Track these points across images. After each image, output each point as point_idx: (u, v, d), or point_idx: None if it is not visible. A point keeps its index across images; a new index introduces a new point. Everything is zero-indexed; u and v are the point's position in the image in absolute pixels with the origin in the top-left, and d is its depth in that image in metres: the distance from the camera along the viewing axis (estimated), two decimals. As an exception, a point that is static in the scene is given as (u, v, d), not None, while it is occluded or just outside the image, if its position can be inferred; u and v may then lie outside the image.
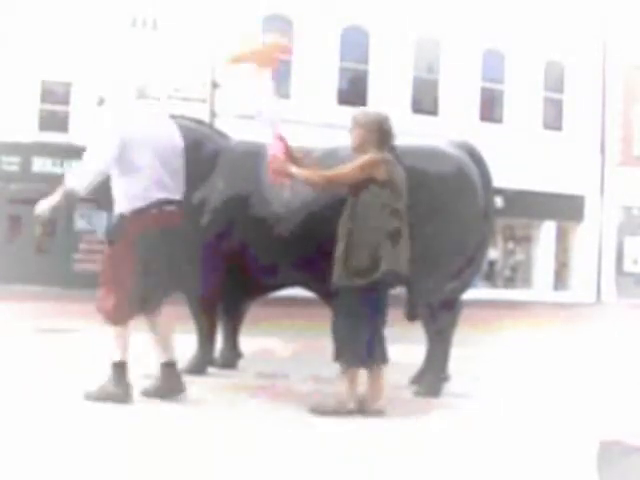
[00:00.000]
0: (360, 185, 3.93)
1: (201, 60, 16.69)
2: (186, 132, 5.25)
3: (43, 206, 4.15)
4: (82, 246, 16.60)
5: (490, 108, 19.12)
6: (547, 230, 19.73)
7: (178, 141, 4.32)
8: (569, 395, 4.74)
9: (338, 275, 3.96)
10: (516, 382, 5.22)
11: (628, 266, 20.77)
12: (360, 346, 3.92)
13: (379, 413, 3.96)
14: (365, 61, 18.07)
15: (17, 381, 4.51)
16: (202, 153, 5.10)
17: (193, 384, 4.65)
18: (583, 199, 19.81)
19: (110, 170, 4.05)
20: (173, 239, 4.17)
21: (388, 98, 17.07)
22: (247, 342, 5.45)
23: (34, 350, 5.98)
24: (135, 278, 4.03)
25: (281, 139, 4.28)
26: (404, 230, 3.96)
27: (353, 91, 17.96)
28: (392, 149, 4.13)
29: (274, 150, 4.26)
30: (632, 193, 20.10)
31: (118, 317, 4.10)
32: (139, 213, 4.02)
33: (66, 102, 16.79)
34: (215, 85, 16.93)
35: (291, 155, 4.23)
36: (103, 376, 4.06)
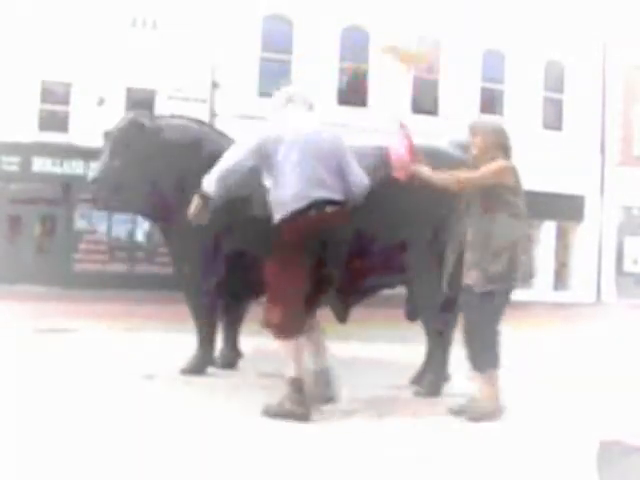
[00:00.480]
0: (489, 192, 3.94)
1: (201, 60, 16.70)
2: (186, 132, 5.28)
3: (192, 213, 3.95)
4: (82, 246, 16.60)
5: (490, 108, 19.12)
6: (547, 230, 19.73)
7: (332, 138, 4.08)
8: (569, 395, 4.73)
9: (480, 280, 3.92)
10: (516, 382, 5.22)
11: (628, 266, 20.77)
12: (495, 349, 4.06)
13: (496, 415, 3.94)
14: (365, 61, 18.07)
15: (17, 381, 4.51)
16: (202, 153, 5.10)
17: (193, 384, 4.66)
18: (583, 199, 19.82)
19: (246, 166, 3.84)
20: (335, 239, 3.88)
21: (388, 98, 17.10)
22: (247, 342, 5.45)
23: (34, 350, 5.98)
24: (302, 285, 3.76)
25: (407, 137, 4.17)
26: (531, 236, 4.10)
27: (353, 91, 17.96)
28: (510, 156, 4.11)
29: (399, 147, 4.14)
30: (632, 193, 20.11)
31: (288, 331, 3.80)
32: (297, 215, 3.72)
33: (66, 102, 16.80)
34: (215, 85, 16.93)
35: (415, 155, 4.14)
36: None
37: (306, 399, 3.80)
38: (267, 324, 3.80)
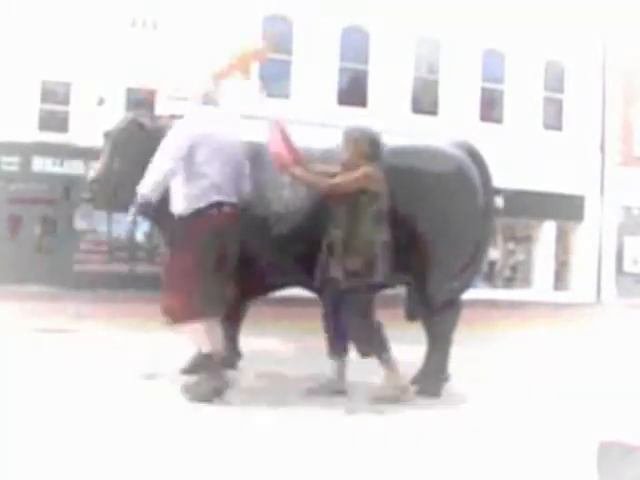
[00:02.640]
0: (352, 195, 4.24)
1: (201, 60, 16.69)
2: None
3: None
4: (82, 246, 16.59)
5: (490, 108, 19.11)
6: (547, 230, 19.72)
7: (240, 144, 4.44)
8: (569, 395, 4.74)
9: (340, 276, 4.24)
10: (516, 382, 5.22)
11: (628, 266, 20.76)
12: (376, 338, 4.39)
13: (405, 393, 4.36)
14: (365, 61, 18.06)
15: (17, 381, 4.51)
16: (202, 153, 5.10)
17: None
18: (583, 199, 19.80)
19: (177, 170, 4.14)
20: (230, 239, 4.26)
21: (388, 98, 17.10)
22: (247, 342, 5.45)
23: (34, 350, 5.98)
24: (198, 279, 4.09)
25: (284, 137, 4.35)
26: (388, 237, 4.31)
27: (353, 91, 17.95)
28: (377, 161, 4.38)
29: (277, 148, 4.31)
30: (632, 193, 20.09)
31: (183, 316, 4.15)
32: (198, 214, 4.11)
33: (66, 102, 16.78)
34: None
35: (294, 152, 4.35)
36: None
37: (223, 373, 4.19)
38: (162, 311, 4.22)
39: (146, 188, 4.14)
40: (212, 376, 4.12)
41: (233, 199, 4.31)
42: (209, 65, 4.89)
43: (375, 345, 4.34)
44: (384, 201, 4.32)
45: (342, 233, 4.25)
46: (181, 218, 4.24)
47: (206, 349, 4.16)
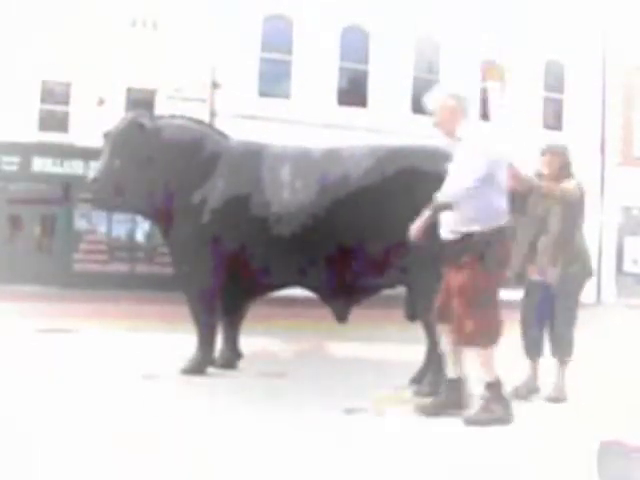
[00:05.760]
0: (570, 204, 4.86)
1: (201, 60, 16.69)
2: (186, 132, 5.28)
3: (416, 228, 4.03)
4: (82, 246, 16.59)
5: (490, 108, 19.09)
6: (547, 230, 19.71)
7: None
8: (569, 395, 4.73)
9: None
10: (516, 382, 5.21)
11: (628, 266, 20.75)
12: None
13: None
14: (365, 61, 18.06)
15: (17, 381, 4.51)
16: (202, 153, 5.10)
17: (193, 384, 4.66)
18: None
19: (477, 187, 3.97)
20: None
21: (388, 98, 17.10)
22: (247, 342, 5.45)
23: (34, 350, 5.98)
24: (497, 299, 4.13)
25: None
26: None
27: (353, 91, 17.95)
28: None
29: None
30: (632, 193, 20.09)
31: (490, 339, 4.08)
32: (500, 232, 4.01)
33: (66, 102, 16.79)
34: (215, 85, 16.93)
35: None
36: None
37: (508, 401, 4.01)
38: (467, 338, 3.98)
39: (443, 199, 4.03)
40: (497, 404, 3.94)
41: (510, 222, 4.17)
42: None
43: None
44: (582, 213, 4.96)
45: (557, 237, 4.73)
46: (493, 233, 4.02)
47: (490, 377, 4.01)
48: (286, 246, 4.74)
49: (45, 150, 16.33)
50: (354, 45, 17.92)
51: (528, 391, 4.76)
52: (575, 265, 4.79)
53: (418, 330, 4.86)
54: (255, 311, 5.54)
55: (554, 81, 19.77)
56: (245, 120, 14.77)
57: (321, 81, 17.20)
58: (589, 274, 4.96)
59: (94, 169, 5.39)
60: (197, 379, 4.81)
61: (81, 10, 16.11)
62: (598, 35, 19.88)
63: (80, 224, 16.71)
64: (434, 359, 4.75)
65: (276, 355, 6.25)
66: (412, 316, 4.90)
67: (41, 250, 16.75)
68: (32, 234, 16.71)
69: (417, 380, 4.85)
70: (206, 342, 5.08)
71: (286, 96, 16.95)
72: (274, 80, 17.14)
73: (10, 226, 16.48)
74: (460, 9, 17.78)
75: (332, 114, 16.43)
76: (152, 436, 3.37)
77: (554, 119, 19.75)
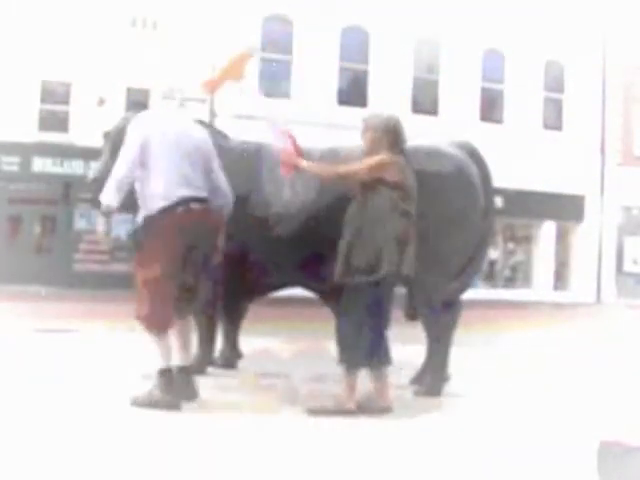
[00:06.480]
0: (369, 185, 3.95)
1: (201, 60, 16.68)
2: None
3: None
4: (82, 246, 16.58)
5: (490, 108, 19.11)
6: (547, 230, 19.72)
7: (201, 138, 4.20)
8: (569, 395, 4.74)
9: (340, 272, 3.97)
10: (516, 382, 5.22)
11: (628, 266, 20.77)
12: (363, 347, 3.93)
13: (386, 411, 3.98)
14: (365, 61, 18.06)
15: (17, 381, 4.51)
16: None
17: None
18: (583, 199, 19.81)
19: (135, 173, 3.93)
20: (202, 237, 4.02)
21: (388, 98, 17.09)
22: (247, 342, 5.45)
23: (34, 350, 5.98)
24: (169, 281, 3.95)
25: (290, 136, 4.31)
26: (412, 232, 3.97)
27: (353, 91, 17.96)
28: (402, 151, 4.13)
29: (281, 143, 4.30)
30: (632, 193, 20.10)
31: (158, 324, 4.01)
32: (164, 213, 3.88)
33: (66, 102, 16.79)
34: (215, 85, 16.92)
35: (299, 151, 4.27)
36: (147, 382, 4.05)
37: (174, 388, 3.96)
38: (137, 317, 4.09)
39: (106, 197, 3.93)
40: (163, 390, 3.94)
41: (203, 193, 4.01)
42: (199, 75, 4.81)
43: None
44: (409, 194, 3.97)
45: (362, 227, 3.93)
46: (148, 220, 4.01)
47: (162, 364, 3.98)
48: (286, 246, 4.74)
49: (45, 150, 16.34)
50: (354, 45, 17.93)
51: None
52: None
53: (418, 330, 4.86)
54: (255, 311, 5.54)
55: (554, 81, 19.77)
56: (245, 120, 14.76)
57: (321, 81, 17.21)
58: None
59: (94, 169, 5.38)
60: (197, 379, 4.80)
61: (81, 10, 16.12)
62: (598, 35, 19.89)
63: (80, 224, 16.71)
64: (434, 359, 4.75)
65: (276, 355, 6.25)
66: (412, 316, 4.90)
67: (41, 250, 16.75)
68: (32, 234, 16.72)
69: (417, 380, 4.85)
70: (206, 342, 5.09)
71: (286, 96, 16.95)
72: (274, 80, 17.14)
73: (10, 226, 16.49)
74: (460, 9, 17.78)
75: (332, 114, 16.43)
76: (152, 436, 3.37)
77: (554, 119, 19.75)
